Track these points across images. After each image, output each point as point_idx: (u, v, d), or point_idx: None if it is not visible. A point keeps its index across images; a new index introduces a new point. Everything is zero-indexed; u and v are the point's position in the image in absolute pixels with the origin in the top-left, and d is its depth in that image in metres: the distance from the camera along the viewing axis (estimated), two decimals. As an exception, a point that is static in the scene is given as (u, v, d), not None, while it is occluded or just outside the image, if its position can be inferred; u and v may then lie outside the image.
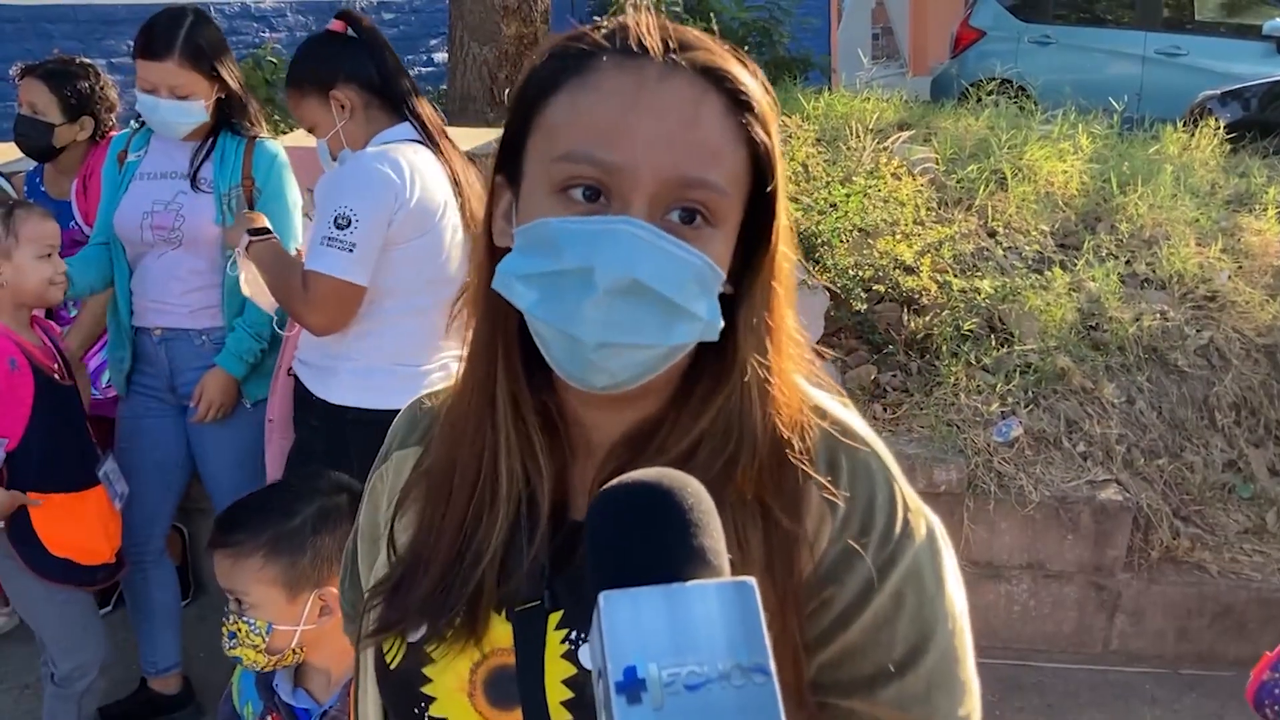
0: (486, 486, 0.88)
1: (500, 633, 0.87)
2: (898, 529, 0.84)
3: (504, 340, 0.86)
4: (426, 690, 0.89)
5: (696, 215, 0.79)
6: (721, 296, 0.83)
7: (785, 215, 0.85)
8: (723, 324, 0.81)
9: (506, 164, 0.86)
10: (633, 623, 0.54)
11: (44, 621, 2.63)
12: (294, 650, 1.73)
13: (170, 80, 2.71)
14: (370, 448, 2.76)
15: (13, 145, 3.39)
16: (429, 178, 2.40)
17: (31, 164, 3.48)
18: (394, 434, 1.03)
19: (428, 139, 2.47)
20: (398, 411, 2.89)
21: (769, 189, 0.82)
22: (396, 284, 2.41)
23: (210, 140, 2.84)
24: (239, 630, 1.71)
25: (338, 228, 2.31)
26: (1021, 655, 3.31)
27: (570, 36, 0.84)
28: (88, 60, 3.38)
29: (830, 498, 0.83)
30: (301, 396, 2.56)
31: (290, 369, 2.66)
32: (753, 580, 0.57)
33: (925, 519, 0.87)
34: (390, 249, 2.37)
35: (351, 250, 2.30)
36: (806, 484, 0.84)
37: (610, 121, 0.78)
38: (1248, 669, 2.21)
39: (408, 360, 2.45)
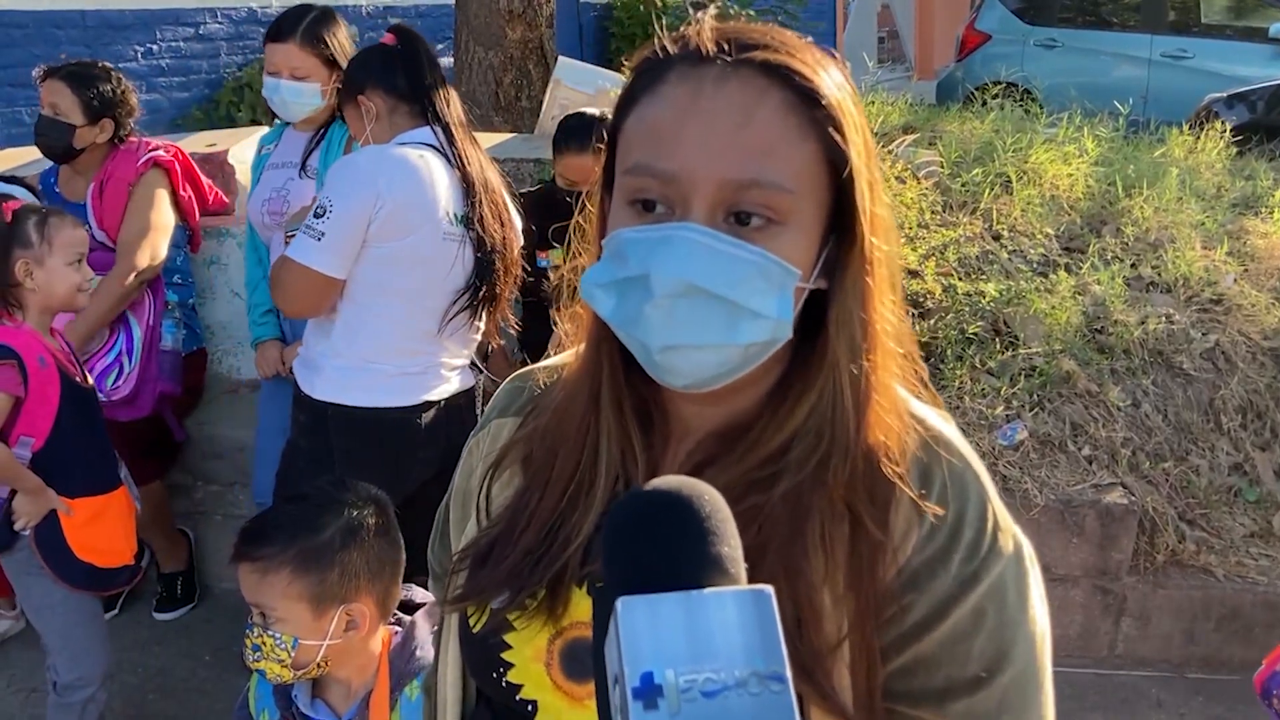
0: (587, 471, 0.91)
1: (581, 606, 0.89)
2: (985, 545, 0.84)
3: (608, 338, 0.89)
4: (506, 656, 0.92)
5: (755, 215, 0.79)
6: (818, 292, 0.84)
7: (878, 205, 0.85)
8: (791, 318, 0.82)
9: (607, 180, 0.89)
10: (650, 629, 0.55)
11: (52, 628, 2.63)
12: (319, 664, 1.72)
13: (290, 62, 2.92)
14: (349, 446, 2.79)
15: (20, 150, 3.41)
16: (426, 182, 2.40)
17: (37, 170, 3.50)
18: (495, 403, 1.06)
19: (449, 145, 2.50)
20: (375, 410, 2.90)
21: (844, 178, 0.82)
22: (377, 283, 2.42)
23: (322, 130, 3.03)
24: (264, 644, 1.70)
25: (315, 216, 2.35)
26: (1027, 659, 3.30)
27: (649, 48, 0.85)
28: (110, 65, 3.41)
29: (919, 506, 0.83)
30: (295, 392, 2.59)
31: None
32: (770, 589, 0.57)
33: (1014, 538, 0.86)
34: (370, 246, 2.38)
35: (319, 239, 2.33)
36: (897, 492, 0.84)
37: (666, 131, 0.80)
38: (1254, 672, 2.21)
39: (385, 360, 2.46)
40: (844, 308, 0.84)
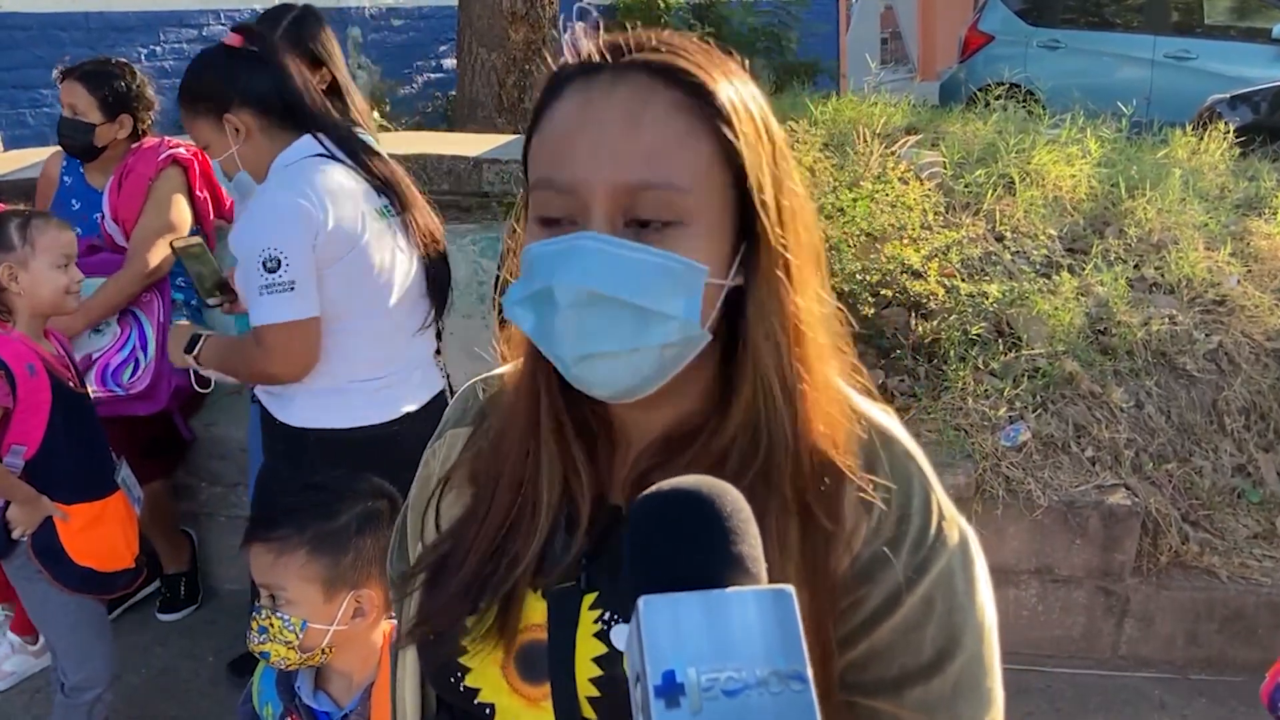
0: (529, 490, 0.91)
1: (535, 609, 0.90)
2: (931, 535, 0.85)
3: (542, 355, 0.88)
4: (463, 661, 0.92)
5: (653, 218, 0.80)
6: (740, 290, 0.84)
7: (787, 197, 0.85)
8: (699, 317, 0.81)
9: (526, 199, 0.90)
10: (672, 627, 0.55)
11: (58, 631, 2.63)
12: (324, 650, 1.74)
13: None
14: (336, 466, 2.70)
15: (25, 152, 3.42)
16: (341, 194, 2.32)
17: (40, 171, 3.50)
18: (449, 414, 1.07)
19: (340, 149, 2.39)
20: (358, 430, 2.84)
21: (744, 176, 0.82)
22: (331, 305, 2.33)
23: None
24: (271, 625, 1.71)
25: (269, 271, 2.23)
26: (1029, 660, 3.31)
27: (555, 63, 0.86)
28: (125, 60, 3.41)
29: (866, 499, 0.84)
30: (266, 420, 2.50)
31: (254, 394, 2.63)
32: (791, 588, 0.57)
33: (959, 527, 0.88)
34: (320, 271, 2.30)
35: (292, 289, 2.24)
36: (844, 485, 0.85)
37: (560, 143, 0.81)
38: (1257, 674, 2.21)
39: (360, 377, 2.41)
40: (758, 304, 0.84)
